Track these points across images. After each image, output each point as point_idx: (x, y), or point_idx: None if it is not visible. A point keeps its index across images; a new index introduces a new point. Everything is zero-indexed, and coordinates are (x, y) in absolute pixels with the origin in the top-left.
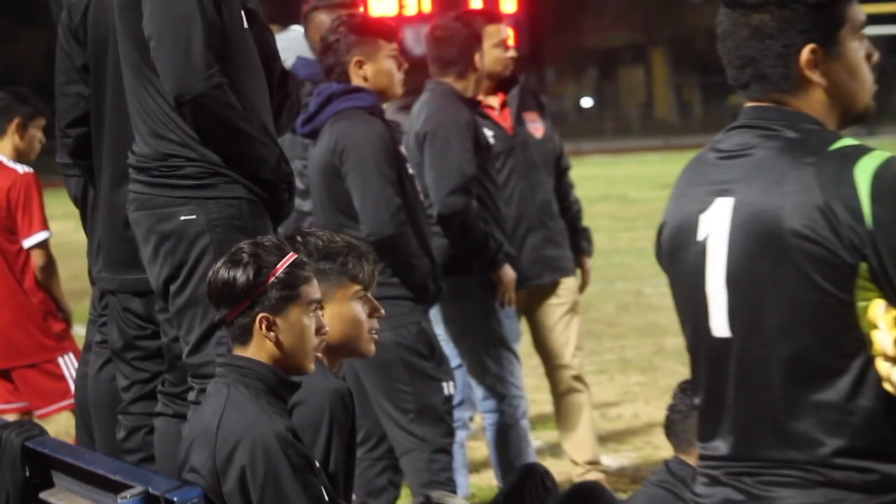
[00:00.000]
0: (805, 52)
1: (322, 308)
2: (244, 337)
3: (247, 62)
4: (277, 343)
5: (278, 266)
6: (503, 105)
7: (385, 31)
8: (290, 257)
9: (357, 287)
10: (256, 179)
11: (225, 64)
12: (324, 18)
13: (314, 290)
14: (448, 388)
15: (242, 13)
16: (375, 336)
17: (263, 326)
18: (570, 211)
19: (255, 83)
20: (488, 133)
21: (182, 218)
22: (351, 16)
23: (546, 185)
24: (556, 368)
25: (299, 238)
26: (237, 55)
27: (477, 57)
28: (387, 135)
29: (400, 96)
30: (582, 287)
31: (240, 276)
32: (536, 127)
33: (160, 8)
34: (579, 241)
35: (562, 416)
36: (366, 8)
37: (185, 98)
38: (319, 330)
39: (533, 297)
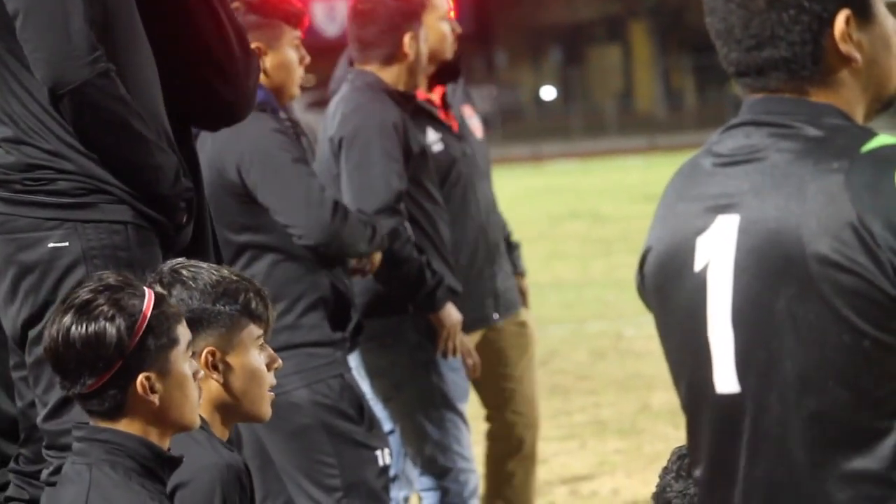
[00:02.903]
0: (839, 22)
1: (223, 359)
2: (116, 411)
3: (136, 43)
4: (161, 407)
5: (146, 308)
6: (443, 101)
7: (291, 14)
8: (151, 294)
9: (260, 331)
10: (149, 197)
11: (109, 46)
12: None
13: (185, 328)
14: (383, 457)
15: None
16: (272, 395)
17: (147, 389)
18: None
19: (148, 72)
20: (433, 136)
21: (51, 245)
22: None
23: (494, 199)
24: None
25: (185, 272)
26: (124, 34)
27: (407, 38)
28: (288, 133)
29: (296, 96)
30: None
31: (109, 329)
32: (475, 124)
33: None
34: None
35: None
36: None
37: (64, 88)
38: (196, 375)
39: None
